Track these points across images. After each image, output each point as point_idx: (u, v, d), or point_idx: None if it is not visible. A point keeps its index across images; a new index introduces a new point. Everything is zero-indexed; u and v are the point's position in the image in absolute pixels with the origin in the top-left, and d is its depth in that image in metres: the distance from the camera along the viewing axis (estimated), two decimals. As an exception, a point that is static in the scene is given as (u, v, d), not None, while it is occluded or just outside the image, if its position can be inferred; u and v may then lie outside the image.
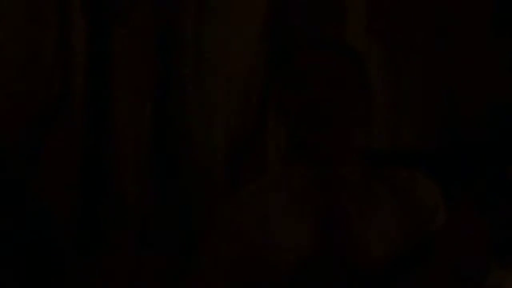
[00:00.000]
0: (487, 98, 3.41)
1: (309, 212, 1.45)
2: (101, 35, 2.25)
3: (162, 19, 2.40)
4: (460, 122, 3.27)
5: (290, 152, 1.57)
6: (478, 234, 1.47)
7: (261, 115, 2.72)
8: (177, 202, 2.45)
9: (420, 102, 3.15)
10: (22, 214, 2.04)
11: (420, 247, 1.49)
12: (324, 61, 1.44)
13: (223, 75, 2.64)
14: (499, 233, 1.51)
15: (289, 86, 1.45)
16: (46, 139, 2.18)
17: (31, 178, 2.13)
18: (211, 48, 2.57)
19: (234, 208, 1.51)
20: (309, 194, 1.47)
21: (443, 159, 3.06)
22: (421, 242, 1.50)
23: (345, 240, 1.46)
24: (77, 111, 2.28)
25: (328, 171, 1.47)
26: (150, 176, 2.42)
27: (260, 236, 1.45)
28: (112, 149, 2.34)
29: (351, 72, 1.45)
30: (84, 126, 2.27)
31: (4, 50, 2.16)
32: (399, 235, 1.48)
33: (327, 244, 1.44)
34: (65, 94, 2.21)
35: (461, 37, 3.24)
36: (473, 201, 1.49)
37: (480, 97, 3.21)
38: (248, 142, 2.68)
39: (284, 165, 1.63)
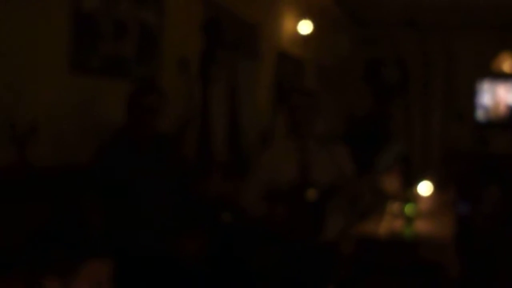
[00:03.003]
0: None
1: (294, 161, 2.33)
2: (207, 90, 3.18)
3: (230, 81, 3.88)
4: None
5: (286, 135, 2.43)
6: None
7: (274, 118, 4.44)
8: (239, 158, 3.78)
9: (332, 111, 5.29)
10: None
11: (339, 182, 2.22)
12: (300, 96, 2.37)
13: (256, 105, 4.31)
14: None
15: (288, 107, 2.36)
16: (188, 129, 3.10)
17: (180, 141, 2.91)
18: (250, 92, 4.33)
19: (262, 157, 2.45)
20: (294, 153, 2.36)
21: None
22: (340, 178, 2.23)
23: (309, 174, 2.31)
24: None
25: (302, 143, 2.34)
26: (229, 142, 3.77)
27: (272, 169, 2.36)
28: (212, 130, 3.28)
29: (311, 101, 2.35)
30: (201, 125, 3.20)
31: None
32: (332, 171, 2.34)
33: (302, 175, 2.32)
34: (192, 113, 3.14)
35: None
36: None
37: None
38: (269, 131, 4.35)
39: (284, 141, 2.44)
